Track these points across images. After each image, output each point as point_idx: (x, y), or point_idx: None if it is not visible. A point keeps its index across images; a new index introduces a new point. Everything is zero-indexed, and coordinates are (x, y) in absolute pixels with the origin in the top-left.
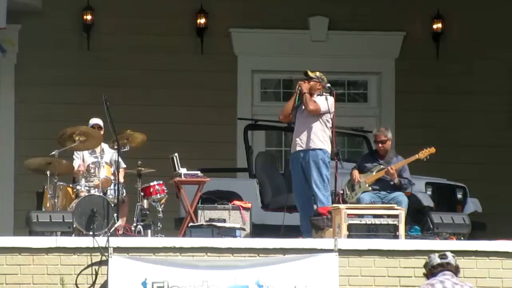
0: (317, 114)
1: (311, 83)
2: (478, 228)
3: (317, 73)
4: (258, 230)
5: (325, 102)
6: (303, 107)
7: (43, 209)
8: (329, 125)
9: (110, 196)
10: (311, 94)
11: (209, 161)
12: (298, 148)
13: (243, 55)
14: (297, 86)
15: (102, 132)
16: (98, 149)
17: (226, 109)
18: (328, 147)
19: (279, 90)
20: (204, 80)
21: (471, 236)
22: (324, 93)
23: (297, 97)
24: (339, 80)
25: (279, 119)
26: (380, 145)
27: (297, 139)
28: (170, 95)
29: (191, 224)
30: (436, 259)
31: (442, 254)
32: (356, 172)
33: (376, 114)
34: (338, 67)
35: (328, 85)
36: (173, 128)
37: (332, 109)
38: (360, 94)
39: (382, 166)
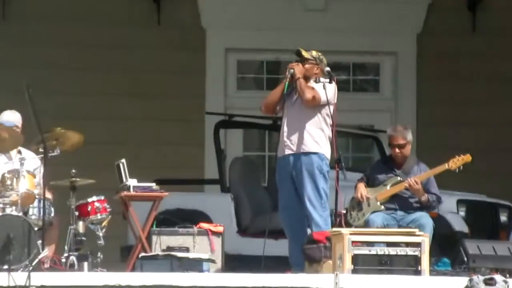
0: (314, 106)
1: (306, 65)
2: None
3: (314, 53)
4: (233, 262)
5: (323, 91)
6: (295, 96)
7: None
8: (329, 121)
9: (33, 217)
10: (306, 80)
11: (168, 169)
12: (287, 152)
13: (214, 29)
14: (287, 69)
15: (19, 131)
16: (14, 154)
17: (191, 101)
18: (327, 151)
19: (261, 76)
20: (161, 62)
21: None
22: (321, 80)
23: (286, 83)
24: (341, 63)
25: (261, 111)
26: (396, 149)
27: (286, 140)
28: (115, 81)
29: (142, 254)
30: (481, 285)
31: (489, 278)
32: (363, 186)
33: (391, 108)
34: (340, 46)
35: (328, 69)
36: (119, 125)
37: (333, 101)
38: (370, 81)
39: (399, 178)
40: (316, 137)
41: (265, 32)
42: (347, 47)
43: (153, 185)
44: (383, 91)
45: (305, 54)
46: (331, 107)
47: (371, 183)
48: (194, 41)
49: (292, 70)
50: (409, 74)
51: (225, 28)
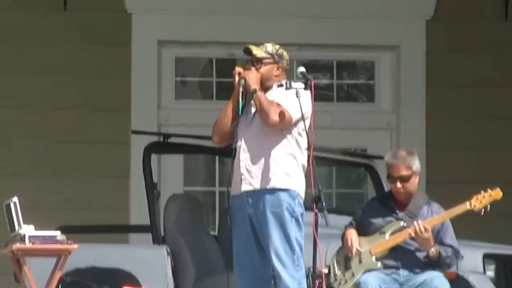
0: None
1: (262, 68)
2: None
3: (269, 47)
4: None
5: (296, 103)
6: (252, 110)
7: None
8: (303, 143)
9: None
10: (266, 88)
11: (78, 211)
12: (244, 188)
13: (142, 14)
14: (235, 77)
15: None
16: None
17: (110, 115)
18: (300, 186)
19: (209, 79)
20: (69, 59)
21: None
22: (293, 85)
23: (240, 99)
24: (321, 61)
25: (214, 142)
26: (398, 183)
27: (243, 170)
28: (3, 86)
29: None
30: None
31: None
32: (353, 234)
33: (390, 125)
34: (319, 37)
35: (302, 69)
36: (9, 149)
37: (309, 114)
38: (362, 86)
39: (402, 223)
40: (285, 167)
41: (214, 19)
42: (329, 38)
43: (58, 234)
44: (380, 100)
45: (256, 51)
46: (307, 123)
47: (363, 230)
48: (116, 32)
49: (243, 80)
50: (416, 76)
51: (158, 12)
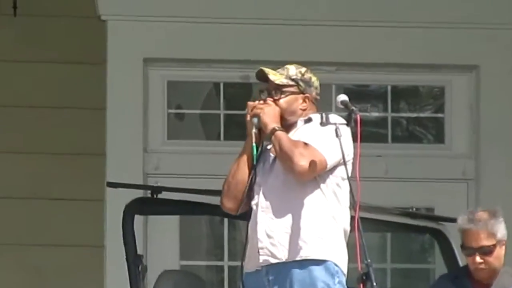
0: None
1: (282, 99)
2: None
3: (292, 69)
4: None
5: (332, 145)
6: (271, 156)
7: None
8: (344, 198)
9: None
10: (289, 126)
11: None
12: (264, 261)
13: (122, 20)
14: (247, 114)
15: None
16: None
17: (79, 161)
18: (342, 258)
19: (215, 111)
20: (24, 83)
21: None
22: (330, 120)
23: (254, 143)
24: (370, 87)
25: (224, 208)
26: (477, 257)
27: (262, 236)
28: None
29: None
30: None
31: None
32: None
33: (466, 174)
34: (369, 54)
35: (343, 98)
36: None
37: (350, 157)
38: (427, 121)
39: None
40: (320, 231)
41: (222, 28)
42: (382, 55)
43: None
44: (451, 140)
45: (274, 77)
46: (349, 169)
47: None
48: (82, 46)
49: (257, 119)
50: (501, 107)
51: (145, 19)
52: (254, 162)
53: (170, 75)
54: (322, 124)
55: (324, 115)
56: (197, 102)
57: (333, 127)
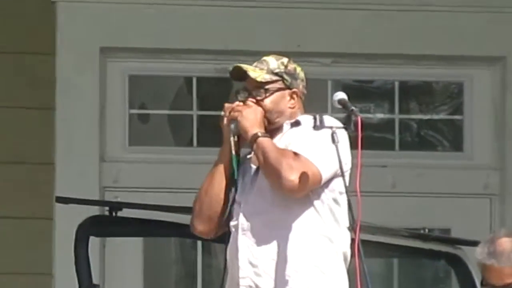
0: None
1: (268, 98)
2: None
3: (272, 62)
4: None
5: (330, 150)
6: (253, 171)
7: None
8: (342, 216)
9: None
10: (273, 130)
11: None
12: None
13: (75, 2)
14: (223, 118)
15: None
16: None
17: (22, 172)
18: (340, 287)
19: (187, 112)
20: None
21: None
22: (325, 122)
23: (233, 154)
24: (374, 83)
25: (195, 231)
26: None
27: (244, 263)
28: None
29: None
30: None
31: None
32: None
33: (489, 189)
34: (372, 44)
35: (340, 96)
36: None
37: (348, 166)
38: (443, 125)
39: None
40: (314, 256)
41: (195, 12)
42: (387, 45)
43: None
44: (472, 148)
45: (254, 73)
46: (347, 180)
47: None
48: (29, 32)
49: (233, 125)
50: None
51: (101, 0)
52: (235, 177)
53: (132, 68)
54: (315, 127)
55: (318, 117)
56: (165, 100)
57: (329, 131)
